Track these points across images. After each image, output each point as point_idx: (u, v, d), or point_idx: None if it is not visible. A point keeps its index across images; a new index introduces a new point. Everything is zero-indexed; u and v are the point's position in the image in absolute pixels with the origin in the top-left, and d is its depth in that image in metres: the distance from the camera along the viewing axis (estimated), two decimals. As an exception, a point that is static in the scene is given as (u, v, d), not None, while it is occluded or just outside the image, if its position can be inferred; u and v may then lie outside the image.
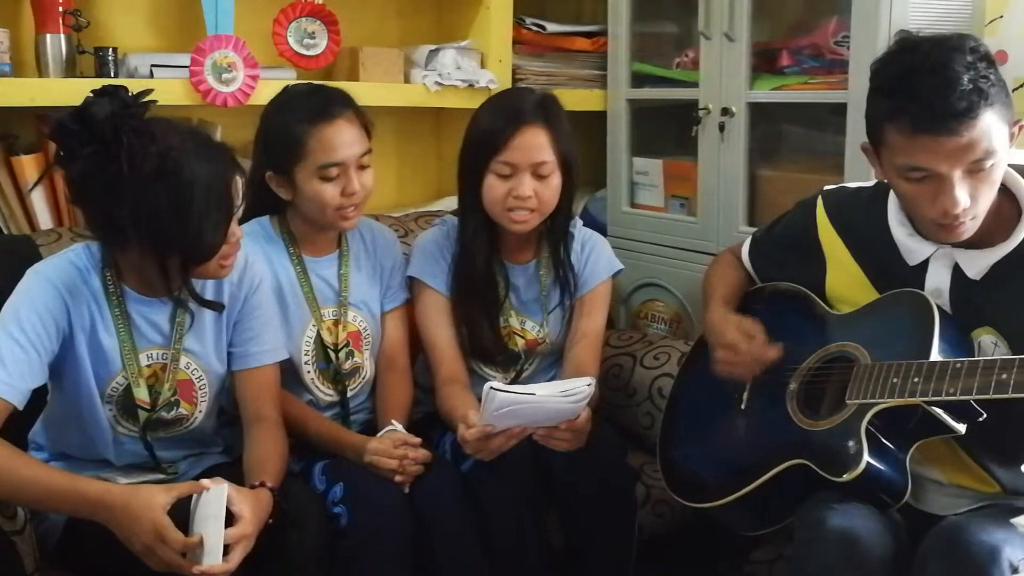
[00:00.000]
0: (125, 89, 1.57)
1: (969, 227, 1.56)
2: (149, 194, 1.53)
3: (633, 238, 2.71)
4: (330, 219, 1.94)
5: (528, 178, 1.98)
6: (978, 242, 1.60)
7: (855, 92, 2.11)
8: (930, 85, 1.47)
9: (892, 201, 1.71)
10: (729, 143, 2.42)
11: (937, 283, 1.65)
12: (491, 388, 1.67)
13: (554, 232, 2.12)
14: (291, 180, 1.91)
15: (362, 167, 1.93)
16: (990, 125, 1.47)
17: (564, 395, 1.69)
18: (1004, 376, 1.43)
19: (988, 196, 1.54)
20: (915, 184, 1.54)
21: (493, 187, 1.99)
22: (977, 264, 1.60)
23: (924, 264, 1.66)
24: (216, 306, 1.74)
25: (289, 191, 1.93)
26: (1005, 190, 1.60)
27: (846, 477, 1.55)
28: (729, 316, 1.88)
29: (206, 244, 1.59)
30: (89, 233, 1.67)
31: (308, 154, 1.88)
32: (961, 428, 1.54)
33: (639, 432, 2.26)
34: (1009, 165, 1.61)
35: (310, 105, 1.91)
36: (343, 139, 1.90)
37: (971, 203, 1.52)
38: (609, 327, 2.24)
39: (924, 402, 1.52)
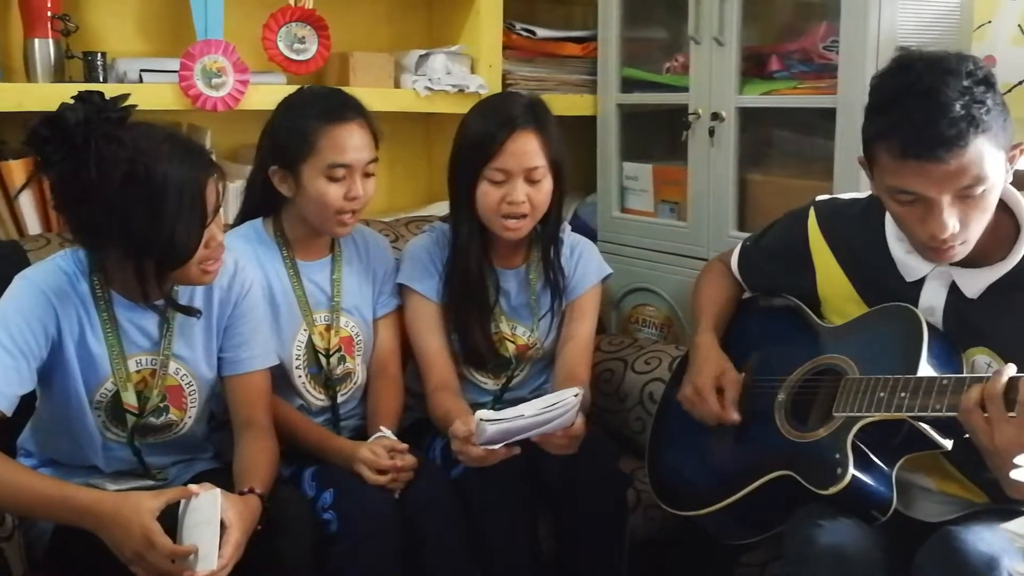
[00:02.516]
0: (101, 94, 1.57)
1: (959, 251, 1.54)
2: (120, 198, 1.53)
3: (623, 243, 2.71)
4: (328, 221, 1.94)
5: (521, 183, 1.98)
6: (976, 261, 1.58)
7: (844, 97, 2.12)
8: (920, 110, 1.45)
9: (889, 216, 1.69)
10: (719, 148, 2.42)
11: (932, 301, 1.64)
12: (481, 420, 1.67)
13: (544, 236, 2.12)
14: (296, 176, 1.91)
15: (367, 175, 1.94)
16: (981, 152, 1.45)
17: (552, 409, 1.69)
18: None
19: (980, 221, 1.52)
20: (905, 206, 1.53)
21: (487, 194, 1.99)
22: (975, 283, 1.59)
23: (920, 281, 1.65)
24: (192, 311, 1.73)
25: (291, 187, 1.93)
26: (1004, 207, 1.58)
27: (831, 490, 1.54)
28: (714, 356, 1.86)
29: (180, 248, 1.58)
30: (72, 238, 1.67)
31: (318, 152, 1.88)
32: (947, 444, 1.53)
33: (630, 437, 2.26)
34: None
35: (326, 105, 1.92)
36: (354, 142, 1.90)
37: (961, 228, 1.50)
38: (600, 332, 2.24)
39: (910, 417, 1.52)
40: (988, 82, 1.48)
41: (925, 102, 1.45)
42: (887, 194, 1.55)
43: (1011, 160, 1.53)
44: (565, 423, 1.73)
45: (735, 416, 1.79)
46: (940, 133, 1.43)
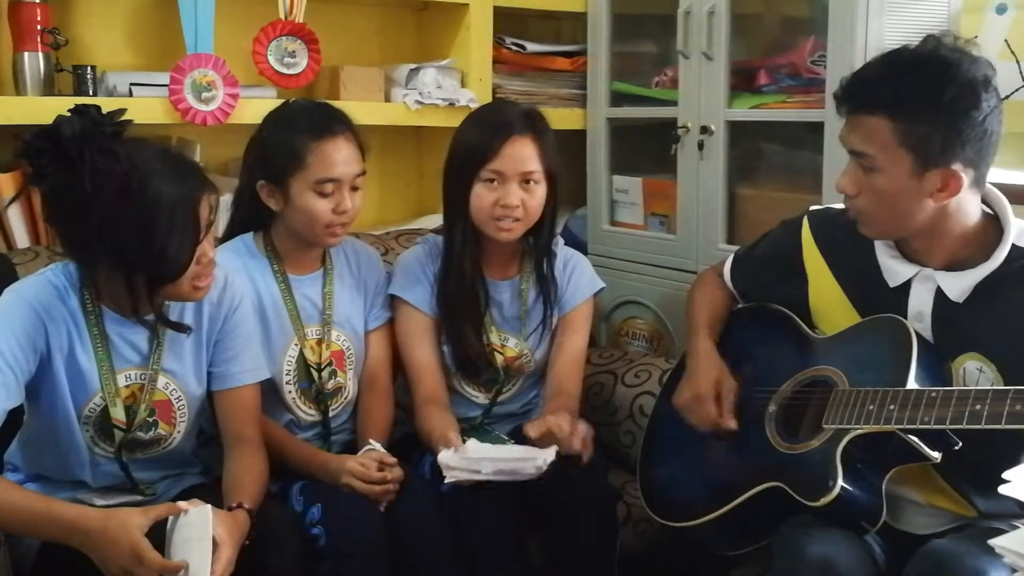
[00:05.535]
0: (98, 108, 1.57)
1: (859, 220, 1.63)
2: (113, 212, 1.52)
3: (613, 256, 2.72)
4: (318, 234, 1.94)
5: (515, 187, 1.98)
6: (960, 264, 1.60)
7: (832, 111, 2.10)
8: (864, 67, 1.59)
9: None
10: (708, 161, 2.43)
11: (919, 306, 1.64)
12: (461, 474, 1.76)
13: (538, 248, 2.12)
14: (284, 191, 1.91)
15: (355, 188, 1.94)
16: (875, 132, 1.53)
17: (524, 462, 1.75)
18: (978, 407, 1.43)
19: (872, 200, 1.59)
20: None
21: (481, 196, 1.99)
22: (959, 285, 1.60)
23: (906, 286, 1.66)
24: (182, 328, 1.73)
25: (280, 202, 1.93)
26: (989, 214, 1.61)
27: (821, 502, 1.54)
28: (713, 362, 1.87)
29: (171, 264, 1.58)
30: (62, 251, 1.66)
31: (306, 167, 1.88)
32: (936, 456, 1.53)
33: (620, 450, 2.26)
34: (996, 184, 1.62)
35: (313, 120, 1.92)
36: (342, 156, 1.90)
37: (854, 194, 1.60)
38: (590, 345, 2.24)
39: (899, 430, 1.52)
40: (970, 91, 1.50)
41: (870, 64, 1.58)
42: None
43: (940, 188, 1.54)
44: (539, 472, 1.76)
45: (733, 424, 1.79)
46: (846, 88, 1.57)
